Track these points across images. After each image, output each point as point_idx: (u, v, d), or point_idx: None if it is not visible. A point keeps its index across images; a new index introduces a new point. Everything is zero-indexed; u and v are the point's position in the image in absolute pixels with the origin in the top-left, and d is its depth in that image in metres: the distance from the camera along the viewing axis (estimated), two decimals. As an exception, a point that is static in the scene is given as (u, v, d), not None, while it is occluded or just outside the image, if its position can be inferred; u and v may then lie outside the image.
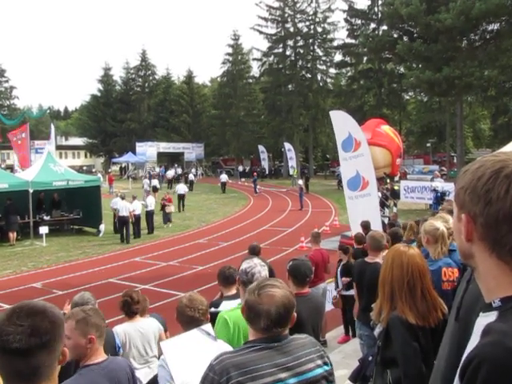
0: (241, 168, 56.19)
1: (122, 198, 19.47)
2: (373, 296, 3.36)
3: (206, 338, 3.00)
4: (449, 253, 4.33)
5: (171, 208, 22.34)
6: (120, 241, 18.83)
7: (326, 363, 2.37)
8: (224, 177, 40.35)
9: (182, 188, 28.57)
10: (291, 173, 45.49)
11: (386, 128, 19.02)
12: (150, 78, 70.59)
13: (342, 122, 14.28)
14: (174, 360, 2.82)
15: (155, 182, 34.55)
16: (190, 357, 2.82)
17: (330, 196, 34.14)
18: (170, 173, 45.99)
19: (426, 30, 33.92)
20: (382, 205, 16.55)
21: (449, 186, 21.34)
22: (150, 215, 20.60)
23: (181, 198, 28.10)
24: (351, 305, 8.77)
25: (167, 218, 22.27)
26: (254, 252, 7.07)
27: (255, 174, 42.92)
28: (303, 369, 2.25)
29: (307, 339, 2.39)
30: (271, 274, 6.71)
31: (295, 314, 2.29)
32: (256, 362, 2.14)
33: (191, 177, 42.50)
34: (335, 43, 56.16)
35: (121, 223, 19.13)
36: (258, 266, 3.53)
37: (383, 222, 13.84)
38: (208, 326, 3.09)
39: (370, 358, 3.54)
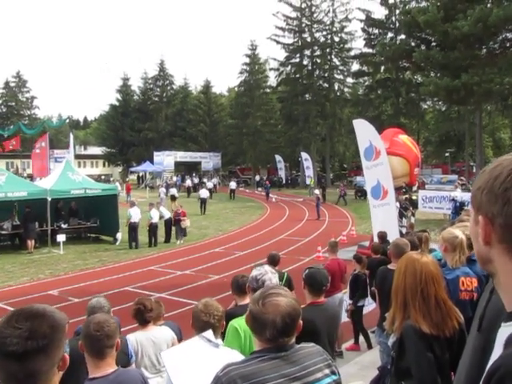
0: (258, 177, 56.25)
1: (132, 205, 20.04)
2: None
3: (208, 346, 2.94)
4: (470, 262, 4.23)
5: (187, 222, 21.06)
6: (129, 247, 19.34)
7: (333, 372, 2.30)
8: (233, 184, 43.83)
9: (204, 193, 32.25)
10: (308, 182, 45.40)
11: (404, 137, 18.89)
12: (168, 87, 71.18)
13: (363, 131, 14.24)
14: (174, 369, 2.77)
15: (174, 191, 34.92)
16: (192, 365, 2.77)
17: (347, 206, 33.93)
18: (189, 182, 46.73)
19: (443, 37, 33.66)
20: (401, 215, 16.38)
21: (468, 196, 21.03)
22: (166, 224, 20.69)
23: (203, 202, 31.18)
24: (360, 315, 8.72)
25: (181, 233, 20.93)
26: (274, 261, 6.99)
27: (268, 182, 45.33)
28: (311, 378, 2.19)
29: (314, 348, 2.33)
30: (289, 283, 6.72)
31: (301, 322, 2.23)
32: (263, 373, 2.08)
33: (210, 185, 43.37)
34: (352, 53, 56.14)
35: (129, 229, 19.57)
36: (268, 273, 3.48)
37: (401, 232, 13.70)
38: (209, 333, 3.04)
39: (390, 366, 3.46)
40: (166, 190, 35.48)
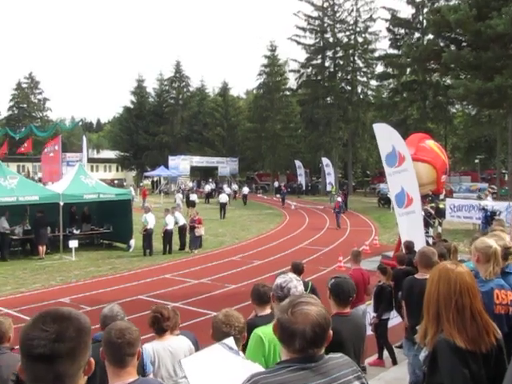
0: (276, 183, 56.23)
1: (147, 211, 20.18)
2: (421, 314, 3.23)
3: (228, 353, 2.94)
4: (504, 275, 4.16)
5: (201, 231, 20.63)
6: (143, 254, 19.48)
7: None
8: (246, 189, 45.82)
9: (223, 197, 33.71)
10: (329, 189, 45.28)
11: (431, 143, 18.61)
12: (184, 89, 71.70)
13: (385, 136, 14.14)
14: (196, 378, 2.77)
15: (194, 197, 35.13)
16: (213, 373, 2.76)
17: (370, 214, 33.77)
18: (207, 187, 47.17)
19: (475, 37, 33.22)
20: (426, 224, 16.20)
21: (499, 205, 20.77)
22: (181, 231, 20.77)
23: (222, 206, 32.74)
24: (384, 329, 8.64)
25: (196, 243, 20.52)
26: (298, 270, 6.99)
27: (284, 187, 46.33)
28: None
29: (343, 359, 2.31)
30: (314, 293, 6.71)
31: (331, 333, 2.22)
32: None
33: (228, 190, 43.84)
34: (377, 54, 56.08)
35: (144, 236, 19.72)
36: (293, 281, 3.48)
37: (427, 242, 13.57)
38: (230, 340, 3.04)
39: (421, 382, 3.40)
40: (182, 196, 35.67)
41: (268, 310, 4.41)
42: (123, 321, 3.52)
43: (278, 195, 49.37)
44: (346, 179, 58.87)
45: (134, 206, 22.62)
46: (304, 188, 54.94)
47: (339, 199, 30.15)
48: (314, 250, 20.50)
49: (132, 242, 20.62)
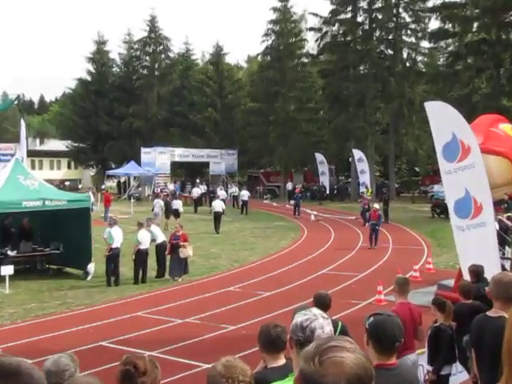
0: (290, 185, 56.16)
1: (112, 224, 20.33)
2: (498, 366, 3.22)
3: None
4: None
5: (187, 251, 20.38)
6: (106, 284, 19.53)
7: None
8: (245, 194, 45.79)
9: (218, 205, 33.86)
10: (363, 192, 45.32)
11: (507, 128, 18.64)
12: (162, 55, 71.81)
13: (442, 118, 14.13)
14: None
15: (177, 205, 35.13)
16: None
17: (421, 227, 33.80)
18: (196, 191, 47.58)
19: None
20: (501, 241, 16.19)
21: None
22: (159, 250, 20.82)
23: (217, 217, 33.04)
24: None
25: (180, 267, 20.39)
26: (323, 304, 6.99)
27: (298, 190, 45.77)
28: None
29: None
30: (346, 336, 6.69)
31: None
32: None
33: (223, 194, 44.22)
34: (430, 3, 55.97)
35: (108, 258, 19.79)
36: (319, 319, 3.46)
37: (503, 267, 13.56)
38: None
39: None
40: (163, 203, 35.71)
41: (282, 360, 4.41)
42: (85, 376, 3.52)
43: (293, 201, 49.51)
44: (387, 179, 58.91)
45: (93, 216, 22.66)
46: (328, 191, 55.03)
47: (376, 206, 30.09)
48: (343, 276, 20.51)
49: (91, 267, 20.62)
